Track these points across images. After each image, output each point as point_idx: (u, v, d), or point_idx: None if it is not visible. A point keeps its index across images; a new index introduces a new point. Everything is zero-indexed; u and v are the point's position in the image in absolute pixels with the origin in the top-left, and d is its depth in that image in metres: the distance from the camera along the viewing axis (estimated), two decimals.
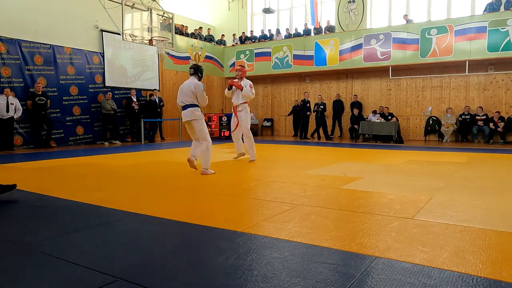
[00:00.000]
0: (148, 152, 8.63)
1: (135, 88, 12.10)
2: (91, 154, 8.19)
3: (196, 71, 5.42)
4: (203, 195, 3.92)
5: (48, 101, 9.66)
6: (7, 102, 8.71)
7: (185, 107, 5.26)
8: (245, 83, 6.51)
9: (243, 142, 6.82)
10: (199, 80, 5.41)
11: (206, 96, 5.41)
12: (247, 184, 4.53)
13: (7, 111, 8.70)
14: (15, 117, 8.89)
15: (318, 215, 3.06)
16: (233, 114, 6.66)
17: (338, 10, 14.02)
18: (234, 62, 15.37)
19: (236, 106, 6.58)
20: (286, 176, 4.99)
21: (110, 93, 11.07)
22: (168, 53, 13.10)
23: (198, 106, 5.28)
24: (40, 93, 9.44)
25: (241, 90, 6.44)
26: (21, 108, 9.01)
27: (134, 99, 11.83)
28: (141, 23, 10.00)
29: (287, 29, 15.30)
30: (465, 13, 12.00)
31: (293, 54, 13.98)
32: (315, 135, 13.34)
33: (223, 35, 16.30)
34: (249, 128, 6.64)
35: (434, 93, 12.53)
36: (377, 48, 12.38)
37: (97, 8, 9.39)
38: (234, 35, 16.19)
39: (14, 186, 3.66)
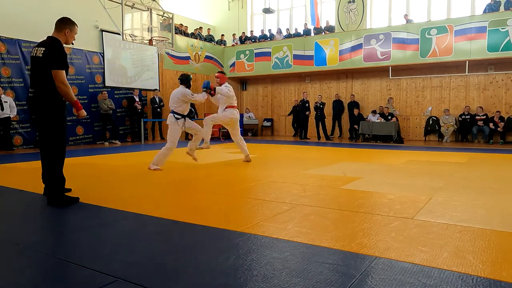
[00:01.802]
0: (148, 152, 8.63)
1: (137, 88, 12.15)
2: (91, 154, 8.19)
3: (183, 81, 5.94)
4: (203, 195, 3.93)
5: None
6: (0, 100, 8.63)
7: (170, 112, 5.93)
8: (222, 87, 6.31)
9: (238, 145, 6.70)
10: (188, 88, 5.93)
11: (198, 95, 6.03)
12: (247, 184, 4.53)
13: (2, 109, 8.64)
14: (11, 116, 8.84)
15: (318, 215, 3.06)
16: None
17: (338, 10, 14.03)
18: (234, 62, 15.38)
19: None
20: (286, 176, 4.99)
21: (106, 93, 11.01)
22: (168, 53, 13.10)
23: (176, 113, 5.86)
24: None
25: (213, 95, 6.29)
26: (15, 107, 8.94)
27: (137, 99, 11.87)
28: (141, 23, 9.99)
29: (287, 29, 15.31)
30: (465, 13, 12.00)
31: (293, 54, 13.98)
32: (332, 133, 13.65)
33: (223, 35, 16.30)
34: (212, 120, 6.31)
35: (434, 93, 12.53)
36: (377, 48, 12.38)
37: (97, 8, 9.39)
38: (234, 35, 16.18)
39: (77, 199, 3.61)
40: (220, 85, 6.43)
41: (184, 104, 5.85)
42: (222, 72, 6.75)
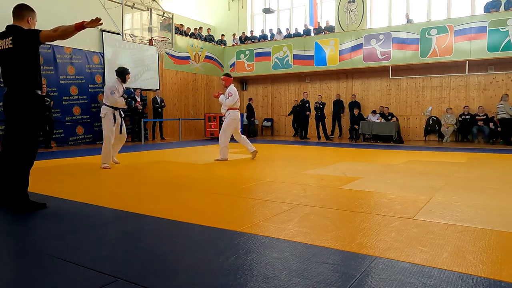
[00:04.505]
0: (148, 152, 8.63)
1: (138, 89, 12.18)
2: (91, 154, 8.19)
3: (117, 73, 5.95)
4: (203, 195, 3.92)
5: (51, 102, 9.67)
6: None
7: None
8: (228, 91, 6.74)
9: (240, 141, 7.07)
10: (123, 81, 5.92)
11: (116, 98, 5.74)
12: (247, 184, 4.53)
13: None
14: None
15: (318, 215, 3.06)
16: None
17: (338, 10, 14.03)
18: (234, 62, 15.38)
19: (224, 113, 6.90)
20: (286, 176, 4.99)
21: None
22: (168, 53, 13.10)
23: (106, 105, 5.78)
24: (45, 93, 9.45)
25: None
26: None
27: (138, 99, 11.88)
28: (141, 23, 10.00)
29: (287, 29, 15.31)
30: (465, 13, 12.00)
31: (293, 54, 13.98)
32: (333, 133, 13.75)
33: (223, 35, 16.30)
34: (225, 132, 6.75)
35: (434, 93, 12.53)
36: (377, 48, 12.38)
37: (97, 8, 9.37)
38: (234, 35, 16.19)
39: (44, 204, 3.32)
40: (226, 87, 6.79)
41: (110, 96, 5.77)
42: (227, 75, 6.98)
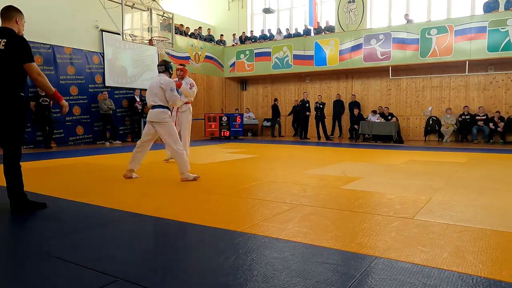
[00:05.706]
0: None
1: (138, 89, 12.18)
2: (91, 154, 8.19)
3: (167, 68, 4.95)
4: (203, 195, 3.92)
5: (51, 101, 9.67)
6: None
7: (153, 107, 4.83)
8: (187, 81, 6.22)
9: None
10: (170, 77, 4.98)
11: (177, 95, 4.95)
12: (247, 184, 4.53)
13: None
14: None
15: (318, 215, 3.06)
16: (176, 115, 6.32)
17: (338, 10, 14.02)
18: (234, 62, 15.38)
19: (178, 108, 6.28)
20: (286, 176, 4.99)
21: (106, 93, 11.05)
22: (168, 53, 13.09)
23: (166, 108, 4.84)
24: (44, 93, 9.45)
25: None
26: None
27: (138, 99, 11.88)
28: (141, 23, 10.00)
29: (287, 29, 15.31)
30: (465, 13, 12.00)
31: (293, 54, 13.98)
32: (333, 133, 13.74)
33: (222, 35, 16.30)
34: (188, 134, 6.29)
35: (434, 93, 12.53)
36: (377, 48, 12.38)
37: (97, 8, 9.40)
38: (234, 35, 16.18)
39: (44, 204, 3.34)
40: (183, 78, 6.27)
41: (163, 96, 4.84)
42: (184, 65, 6.49)
